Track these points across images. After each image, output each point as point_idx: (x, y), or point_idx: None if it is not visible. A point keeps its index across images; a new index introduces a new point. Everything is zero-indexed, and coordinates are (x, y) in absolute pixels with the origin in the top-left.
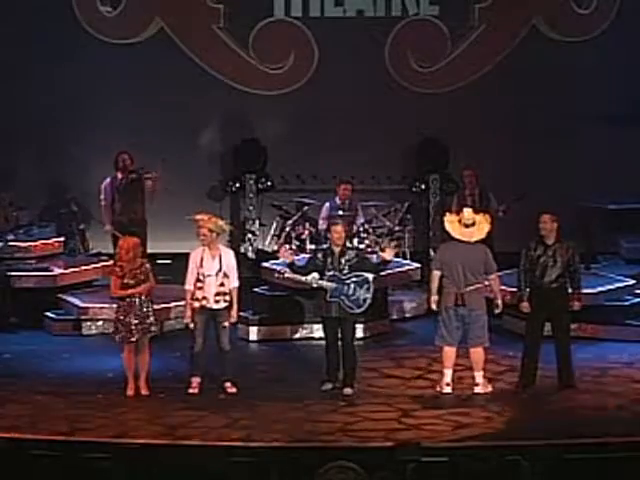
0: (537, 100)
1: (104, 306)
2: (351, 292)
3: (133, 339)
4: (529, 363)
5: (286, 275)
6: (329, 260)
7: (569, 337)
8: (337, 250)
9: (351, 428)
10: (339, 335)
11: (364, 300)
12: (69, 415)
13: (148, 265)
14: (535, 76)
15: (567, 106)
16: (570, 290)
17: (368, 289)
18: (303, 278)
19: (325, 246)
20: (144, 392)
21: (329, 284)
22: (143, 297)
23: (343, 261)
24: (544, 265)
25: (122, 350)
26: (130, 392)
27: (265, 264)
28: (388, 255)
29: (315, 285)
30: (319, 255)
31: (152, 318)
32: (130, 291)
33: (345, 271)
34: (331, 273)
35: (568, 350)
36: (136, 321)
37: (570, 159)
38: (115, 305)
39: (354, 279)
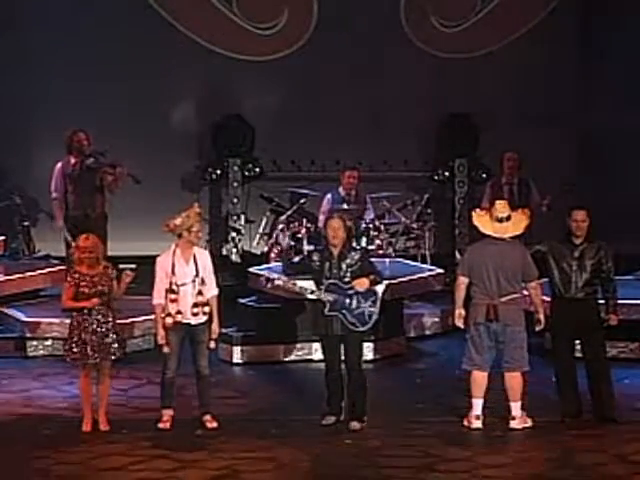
0: (591, 67)
1: (54, 321)
2: (354, 305)
3: (90, 362)
4: (566, 391)
5: (276, 282)
6: (327, 265)
7: (605, 358)
8: (336, 252)
9: (361, 472)
10: (342, 357)
11: (369, 315)
12: (7, 458)
13: (112, 271)
14: (589, 36)
15: (629, 74)
16: (603, 301)
17: (374, 302)
18: (298, 287)
19: (321, 247)
20: (103, 427)
21: (328, 295)
22: (103, 311)
23: (344, 266)
24: (568, 269)
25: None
26: (86, 427)
27: (253, 269)
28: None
29: (312, 296)
30: (315, 257)
31: (113, 336)
32: (83, 303)
33: (347, 279)
34: (331, 281)
35: (604, 374)
36: (94, 340)
37: (629, 139)
38: (68, 320)
39: (357, 289)
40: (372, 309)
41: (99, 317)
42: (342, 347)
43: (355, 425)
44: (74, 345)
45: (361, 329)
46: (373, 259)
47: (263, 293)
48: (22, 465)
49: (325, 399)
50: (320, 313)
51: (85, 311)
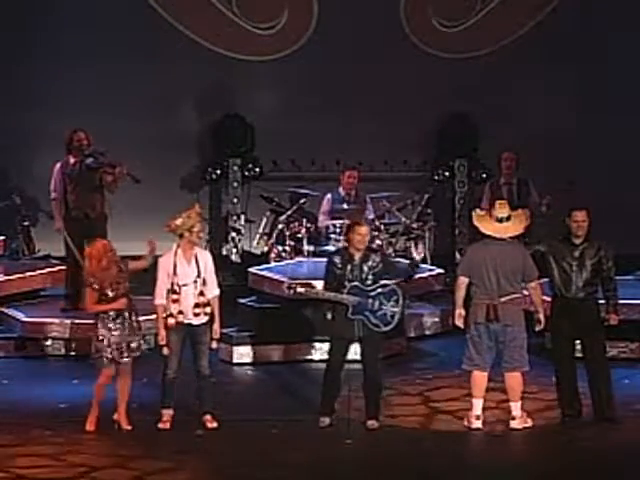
0: (592, 67)
1: (54, 321)
2: (377, 307)
3: (123, 361)
4: (566, 391)
5: (299, 290)
6: (349, 267)
7: (605, 358)
8: (358, 255)
9: (362, 472)
10: (346, 358)
11: (392, 316)
12: (7, 457)
13: (127, 267)
14: (590, 36)
15: (631, 74)
16: (603, 300)
17: (397, 301)
18: (321, 294)
19: (335, 248)
20: (126, 426)
21: (352, 298)
22: (127, 309)
23: (366, 268)
24: (569, 269)
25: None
26: (90, 427)
27: (253, 269)
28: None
29: (336, 299)
30: (336, 260)
31: (139, 334)
32: (112, 306)
33: (369, 281)
34: (353, 284)
35: (605, 374)
36: (125, 339)
37: (629, 139)
38: (68, 320)
39: (379, 290)
40: (395, 309)
41: (127, 316)
42: (359, 347)
43: (373, 424)
44: (106, 346)
45: (384, 329)
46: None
47: (263, 293)
48: (22, 465)
49: (319, 401)
50: (342, 315)
51: (112, 312)
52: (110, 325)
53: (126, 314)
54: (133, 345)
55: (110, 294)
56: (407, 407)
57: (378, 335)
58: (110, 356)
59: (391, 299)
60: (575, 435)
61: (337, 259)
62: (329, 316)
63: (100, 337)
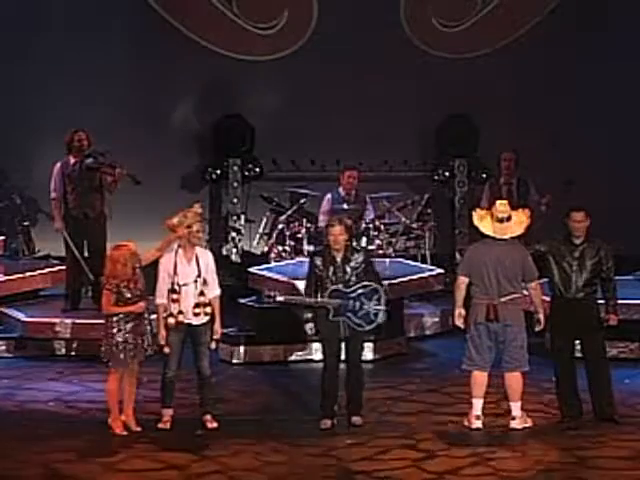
0: (591, 67)
1: (54, 321)
2: (358, 307)
3: (136, 362)
4: (566, 391)
5: (279, 299)
6: (331, 269)
7: (605, 358)
8: (339, 256)
9: (363, 472)
10: (341, 357)
11: (375, 314)
12: (6, 457)
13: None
14: (589, 37)
15: (627, 75)
16: (603, 301)
17: (379, 300)
18: (300, 300)
19: (320, 247)
20: (135, 428)
21: (333, 301)
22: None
23: (349, 269)
24: (569, 269)
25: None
26: (121, 430)
27: (253, 269)
28: None
29: (317, 305)
30: (317, 262)
31: (149, 335)
32: (130, 308)
33: (351, 282)
34: (334, 287)
35: (605, 374)
36: (142, 340)
37: (628, 140)
38: (69, 320)
39: (360, 290)
40: (377, 307)
41: (140, 317)
42: (343, 346)
43: (358, 420)
44: (117, 347)
45: (367, 328)
46: (374, 259)
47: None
48: (21, 464)
49: (319, 403)
50: (325, 318)
51: (130, 314)
52: (122, 326)
53: (141, 315)
54: (143, 346)
55: (127, 295)
56: (406, 407)
57: (361, 334)
58: (121, 357)
59: (372, 298)
60: (575, 435)
61: (318, 261)
62: (310, 326)
63: (112, 337)
